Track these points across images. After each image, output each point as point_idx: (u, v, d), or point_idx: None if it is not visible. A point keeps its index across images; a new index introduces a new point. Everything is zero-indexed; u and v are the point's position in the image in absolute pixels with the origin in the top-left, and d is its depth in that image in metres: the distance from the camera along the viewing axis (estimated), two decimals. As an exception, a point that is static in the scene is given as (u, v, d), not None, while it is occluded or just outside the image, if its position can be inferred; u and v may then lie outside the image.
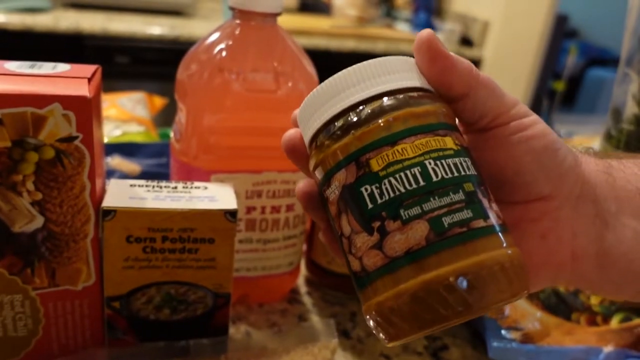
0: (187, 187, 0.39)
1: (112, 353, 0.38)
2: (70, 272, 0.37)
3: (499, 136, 0.27)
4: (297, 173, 0.46)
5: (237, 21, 0.43)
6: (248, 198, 0.45)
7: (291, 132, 0.29)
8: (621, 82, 0.64)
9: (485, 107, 0.26)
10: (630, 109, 0.63)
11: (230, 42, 0.42)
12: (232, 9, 0.43)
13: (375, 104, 0.25)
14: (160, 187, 0.39)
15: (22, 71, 0.34)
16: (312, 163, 0.27)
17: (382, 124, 0.24)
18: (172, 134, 0.47)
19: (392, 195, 0.23)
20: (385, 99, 0.25)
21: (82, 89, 0.33)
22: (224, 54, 0.42)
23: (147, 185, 0.39)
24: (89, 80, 0.34)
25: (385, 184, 0.23)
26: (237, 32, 0.43)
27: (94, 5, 1.81)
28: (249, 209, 0.45)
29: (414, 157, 0.24)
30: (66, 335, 0.39)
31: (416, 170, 0.23)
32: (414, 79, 0.26)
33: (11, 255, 0.35)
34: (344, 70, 0.26)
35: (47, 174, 0.34)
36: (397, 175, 0.23)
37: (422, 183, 0.23)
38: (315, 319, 0.49)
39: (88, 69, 0.36)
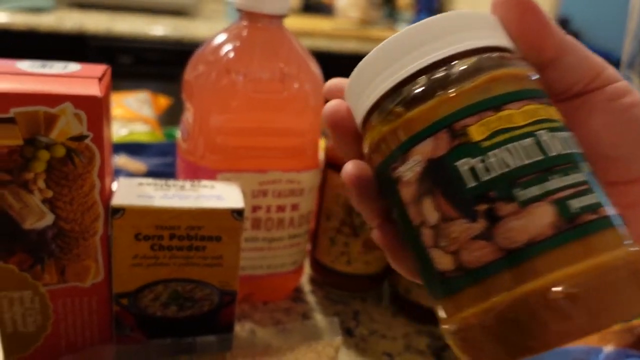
0: (194, 186, 0.40)
1: (119, 349, 0.39)
2: (79, 269, 0.38)
3: (593, 103, 0.23)
4: (302, 173, 0.46)
5: (244, 23, 0.43)
6: (254, 197, 0.46)
7: (334, 103, 0.24)
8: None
9: (576, 72, 0.23)
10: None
11: (237, 44, 0.43)
12: (239, 10, 0.43)
13: (469, 61, 0.20)
14: (168, 186, 0.39)
15: (34, 70, 0.35)
16: (371, 139, 0.22)
17: (480, 85, 0.20)
18: (178, 134, 0.48)
19: (502, 170, 0.19)
20: (478, 56, 0.21)
21: (93, 89, 0.34)
22: (231, 55, 0.42)
23: (155, 184, 0.39)
24: (100, 80, 0.35)
25: (491, 157, 0.19)
26: (244, 33, 0.43)
27: (97, 5, 1.82)
28: (255, 208, 0.46)
29: (525, 126, 0.19)
30: (74, 331, 0.39)
31: (529, 141, 0.19)
32: (502, 38, 0.22)
33: (21, 252, 0.36)
34: (411, 26, 0.21)
35: (58, 172, 0.34)
36: (506, 147, 0.19)
37: (538, 157, 0.19)
38: (318, 317, 0.50)
39: (98, 69, 0.37)
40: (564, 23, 2.14)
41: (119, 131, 0.66)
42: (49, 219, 0.35)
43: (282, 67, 0.43)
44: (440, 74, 0.20)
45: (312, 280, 0.56)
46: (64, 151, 0.34)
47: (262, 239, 0.47)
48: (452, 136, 0.19)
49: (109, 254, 0.38)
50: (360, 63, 0.23)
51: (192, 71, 0.44)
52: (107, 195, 0.37)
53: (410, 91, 0.20)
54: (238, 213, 0.38)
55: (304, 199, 0.48)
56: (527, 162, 0.19)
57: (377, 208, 0.24)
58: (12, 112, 0.32)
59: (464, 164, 0.19)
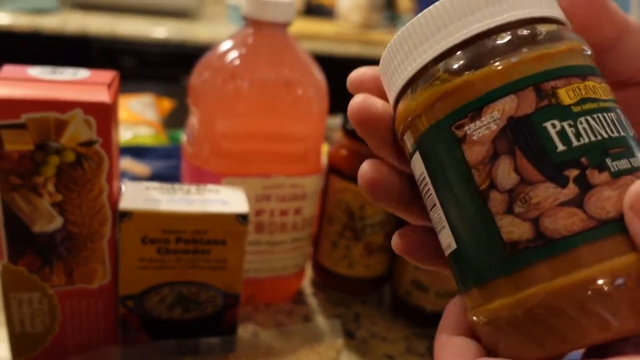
0: (200, 190, 0.41)
1: (125, 350, 0.39)
2: (86, 271, 0.38)
3: None
4: (304, 178, 0.47)
5: (250, 30, 0.44)
6: (257, 201, 0.46)
7: (360, 96, 0.23)
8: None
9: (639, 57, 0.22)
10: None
11: (243, 50, 0.44)
12: (245, 18, 0.44)
13: (551, 27, 0.20)
14: (175, 190, 0.40)
15: (45, 77, 0.35)
16: (421, 101, 0.20)
17: (565, 51, 0.19)
18: (184, 137, 0.48)
19: (594, 139, 0.18)
20: (557, 25, 0.20)
21: (103, 95, 0.34)
22: (236, 61, 0.43)
23: (161, 188, 0.40)
24: (109, 86, 0.36)
25: (583, 123, 0.18)
26: (249, 40, 0.44)
27: (101, 6, 1.83)
28: (258, 212, 0.47)
29: (607, 101, 0.19)
30: (81, 332, 0.40)
31: (612, 116, 0.19)
32: (561, 12, 0.21)
33: (31, 254, 0.36)
34: None
35: (68, 177, 0.35)
36: (595, 116, 0.18)
37: (622, 133, 0.19)
38: (320, 320, 0.51)
39: (107, 75, 0.38)
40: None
41: (123, 134, 0.67)
42: (58, 222, 0.36)
43: (287, 74, 0.44)
44: (525, 32, 0.19)
45: (314, 283, 0.56)
46: (73, 156, 0.35)
47: (265, 242, 0.48)
48: (540, 96, 0.18)
49: (116, 257, 0.38)
50: (411, 23, 0.21)
51: (198, 77, 0.45)
52: (114, 199, 0.37)
53: (488, 45, 0.19)
54: (243, 217, 0.39)
55: (306, 203, 0.48)
56: (615, 135, 0.18)
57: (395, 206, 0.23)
58: (24, 117, 0.33)
59: (553, 126, 0.18)
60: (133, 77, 1.69)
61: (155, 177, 0.62)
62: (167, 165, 0.64)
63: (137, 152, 0.65)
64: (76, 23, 1.61)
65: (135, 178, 0.61)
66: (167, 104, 0.82)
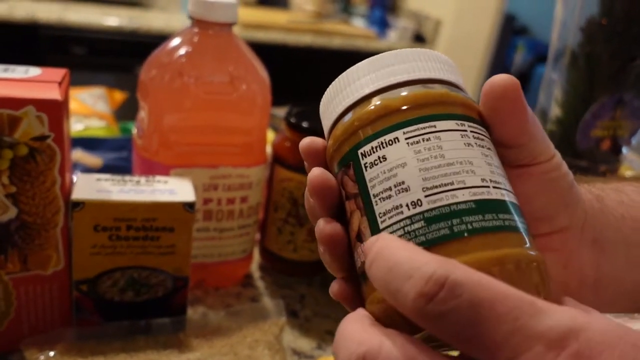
0: (149, 181, 0.43)
1: (79, 332, 0.42)
2: (41, 258, 0.41)
3: (530, 174, 0.27)
4: (250, 168, 0.50)
5: (195, 29, 0.47)
6: (205, 190, 0.49)
7: (317, 170, 0.26)
8: (547, 86, 0.71)
9: (533, 154, 0.26)
10: (554, 112, 0.70)
11: (189, 49, 0.46)
12: (190, 18, 0.47)
13: (442, 87, 0.25)
14: (125, 181, 0.43)
15: (-3, 75, 0.37)
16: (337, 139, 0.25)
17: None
18: (134, 130, 0.51)
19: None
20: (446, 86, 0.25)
21: (54, 93, 0.37)
22: (183, 59, 0.46)
23: (112, 179, 0.43)
24: (59, 84, 0.38)
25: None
26: (195, 39, 0.47)
27: (50, -6, 1.80)
28: (206, 201, 0.50)
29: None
30: (37, 316, 0.42)
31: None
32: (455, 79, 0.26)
33: (-14, 242, 0.39)
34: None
35: (21, 169, 0.37)
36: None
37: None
38: (266, 301, 0.54)
39: (58, 73, 0.40)
40: (510, 20, 2.22)
41: (74, 126, 0.69)
42: (12, 212, 0.38)
43: (231, 71, 0.47)
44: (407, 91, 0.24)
45: (262, 268, 0.60)
46: (26, 150, 0.37)
47: (213, 229, 0.51)
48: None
49: (69, 244, 0.41)
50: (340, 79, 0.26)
51: (147, 73, 0.47)
52: (67, 189, 0.40)
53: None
54: (189, 206, 0.41)
55: (252, 192, 0.52)
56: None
57: (346, 262, 0.26)
58: (-22, 114, 0.35)
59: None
60: (84, 66, 1.67)
61: (107, 168, 0.64)
62: (118, 157, 0.66)
63: (89, 143, 0.66)
64: (24, 10, 1.59)
65: (88, 169, 0.63)
66: (118, 96, 0.83)
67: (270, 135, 0.71)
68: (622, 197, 0.31)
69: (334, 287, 0.27)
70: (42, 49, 1.63)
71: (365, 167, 0.23)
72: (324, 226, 0.25)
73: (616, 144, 0.69)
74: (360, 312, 0.22)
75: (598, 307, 0.32)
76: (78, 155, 0.65)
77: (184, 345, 0.42)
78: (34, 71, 0.39)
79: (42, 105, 0.36)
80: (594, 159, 0.69)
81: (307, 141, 0.27)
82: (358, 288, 0.25)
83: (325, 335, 0.51)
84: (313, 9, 2.12)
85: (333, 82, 0.26)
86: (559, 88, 0.68)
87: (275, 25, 1.90)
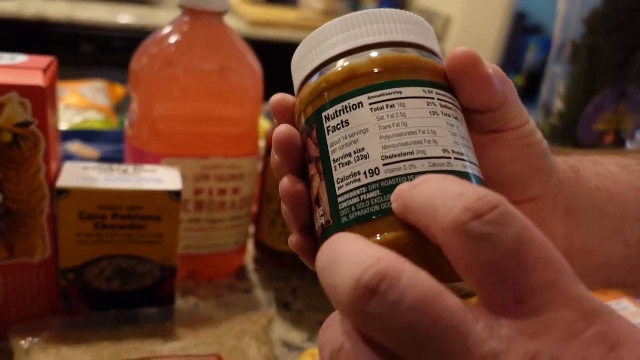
0: (137, 170, 0.43)
1: (66, 320, 0.42)
2: (27, 246, 0.41)
3: (504, 140, 0.26)
4: (242, 159, 0.50)
5: (186, 18, 0.47)
6: (196, 181, 0.49)
7: (284, 127, 0.25)
8: (550, 81, 0.70)
9: (506, 119, 0.26)
10: (557, 106, 0.69)
11: (179, 38, 0.46)
12: (181, 7, 0.46)
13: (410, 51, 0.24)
14: (112, 170, 0.43)
15: (-18, 62, 0.37)
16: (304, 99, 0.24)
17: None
18: (126, 121, 0.51)
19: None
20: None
21: (38, 79, 0.37)
22: (172, 48, 0.46)
23: (99, 168, 0.43)
24: (45, 71, 0.38)
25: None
26: (185, 28, 0.46)
27: (60, -7, 1.81)
28: (197, 191, 0.49)
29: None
30: (24, 303, 0.42)
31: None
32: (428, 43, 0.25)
33: (-28, 229, 0.39)
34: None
35: (6, 156, 0.37)
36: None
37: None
38: (259, 293, 0.54)
39: (44, 60, 0.40)
40: (522, 18, 2.20)
41: (73, 119, 0.69)
42: (-3, 199, 0.38)
43: (222, 61, 0.47)
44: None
45: (256, 260, 0.59)
46: (10, 137, 0.37)
47: (205, 220, 0.51)
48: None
49: (56, 232, 0.41)
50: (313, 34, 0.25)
51: (137, 63, 0.47)
52: (53, 177, 0.40)
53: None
54: (175, 194, 0.41)
55: (244, 183, 0.51)
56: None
57: (306, 220, 0.25)
58: (-39, 100, 0.35)
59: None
60: (93, 64, 1.68)
61: (104, 160, 0.64)
62: (116, 149, 0.66)
63: (86, 136, 0.67)
64: (34, 8, 1.60)
65: (85, 162, 0.63)
66: (119, 90, 0.83)
67: (260, 131, 0.70)
68: (598, 168, 0.30)
69: (292, 239, 0.26)
70: (52, 46, 1.64)
71: (328, 131, 0.23)
72: (287, 185, 0.25)
73: (619, 137, 0.67)
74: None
75: None
76: (76, 147, 0.65)
77: (169, 335, 0.41)
78: (20, 58, 0.39)
79: (25, 91, 0.36)
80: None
81: (277, 97, 0.26)
82: (316, 245, 0.24)
83: (317, 327, 0.50)
84: (322, 6, 2.12)
85: (303, 41, 0.25)
86: (562, 82, 0.67)
87: (284, 23, 1.90)
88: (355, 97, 0.22)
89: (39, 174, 0.39)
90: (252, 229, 0.59)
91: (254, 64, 0.49)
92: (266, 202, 0.55)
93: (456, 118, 0.23)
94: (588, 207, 0.28)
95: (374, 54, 0.23)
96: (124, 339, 0.40)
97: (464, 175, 0.21)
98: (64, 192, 0.39)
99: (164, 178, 0.43)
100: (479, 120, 0.26)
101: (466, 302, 0.17)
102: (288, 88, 0.27)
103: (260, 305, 0.48)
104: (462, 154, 0.22)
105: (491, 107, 0.25)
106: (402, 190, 0.20)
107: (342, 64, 0.23)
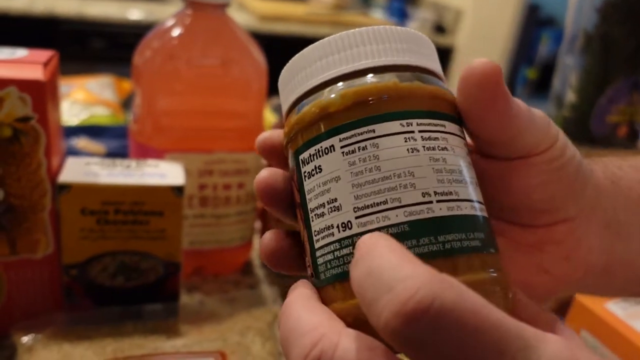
0: (139, 165, 0.43)
1: (69, 317, 0.41)
2: (30, 242, 0.40)
3: (533, 164, 0.23)
4: (246, 153, 0.49)
5: (188, 11, 0.46)
6: (200, 176, 0.48)
7: (265, 172, 0.24)
8: (562, 72, 0.69)
9: (530, 144, 0.23)
10: (569, 98, 0.68)
11: (181, 31, 0.46)
12: (184, 0, 0.46)
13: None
14: (115, 165, 0.42)
15: (-18, 56, 0.37)
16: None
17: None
18: (130, 117, 0.50)
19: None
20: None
21: (37, 73, 0.36)
22: (174, 42, 0.45)
23: (102, 163, 0.42)
24: (45, 65, 0.38)
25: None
26: (188, 21, 0.46)
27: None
28: (202, 187, 0.49)
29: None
30: (28, 301, 0.42)
31: None
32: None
33: (-26, 225, 0.38)
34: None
35: (6, 151, 0.37)
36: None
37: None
38: (264, 288, 0.53)
39: (44, 54, 0.39)
40: (534, 10, 2.17)
41: (79, 114, 0.69)
42: (-1, 194, 0.38)
43: (224, 54, 0.46)
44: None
45: (263, 256, 0.59)
46: (10, 132, 0.36)
47: (210, 215, 0.50)
48: None
49: (58, 228, 0.40)
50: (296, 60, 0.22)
51: (140, 56, 0.47)
52: (54, 173, 0.39)
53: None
54: (178, 190, 0.41)
55: (249, 178, 0.51)
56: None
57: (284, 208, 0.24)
58: (-40, 95, 0.34)
59: None
60: (103, 59, 1.68)
61: (111, 155, 0.63)
62: (122, 144, 0.66)
63: (93, 131, 0.66)
64: (44, 5, 1.60)
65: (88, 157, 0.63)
66: (127, 85, 0.83)
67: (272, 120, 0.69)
68: None
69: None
70: (62, 42, 1.65)
71: (305, 177, 0.21)
72: (266, 242, 0.24)
73: (633, 130, 0.66)
74: (307, 292, 0.21)
75: (607, 293, 0.30)
76: (82, 143, 0.65)
77: (172, 331, 0.41)
78: (20, 52, 0.39)
79: (24, 85, 0.36)
80: (611, 146, 0.66)
81: (261, 137, 0.25)
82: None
83: (323, 324, 0.49)
84: (332, 0, 2.10)
85: (286, 66, 0.23)
86: (574, 73, 0.66)
87: (294, 17, 1.89)
88: (327, 139, 0.20)
89: (40, 170, 0.38)
90: (258, 225, 0.58)
91: (258, 57, 0.49)
92: (272, 197, 0.55)
93: (444, 149, 0.20)
94: (629, 219, 0.26)
95: (343, 86, 0.20)
96: (127, 335, 0.40)
97: (446, 221, 0.19)
98: (65, 187, 0.39)
99: (166, 173, 0.42)
100: (497, 150, 0.23)
101: None
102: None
103: (265, 301, 0.48)
104: (448, 194, 0.19)
105: (503, 136, 0.22)
106: (353, 260, 0.18)
107: (314, 99, 0.21)
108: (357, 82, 0.20)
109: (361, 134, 0.19)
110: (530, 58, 2.81)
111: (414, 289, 0.15)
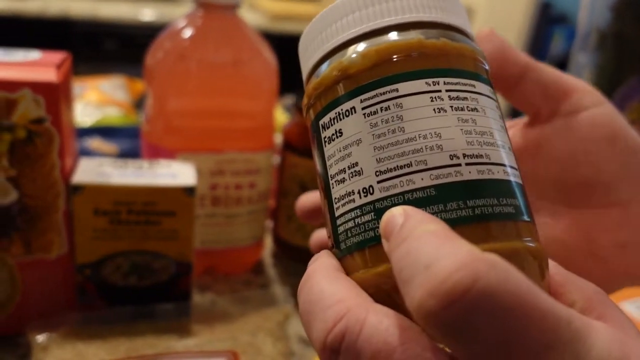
0: (152, 165, 0.43)
1: (83, 316, 0.42)
2: (44, 242, 0.41)
3: (576, 128, 0.22)
4: (257, 153, 0.49)
5: (200, 12, 0.46)
6: (212, 176, 0.49)
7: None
8: (575, 71, 0.68)
9: (545, 90, 0.22)
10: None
11: (192, 31, 0.46)
12: (195, 1, 0.46)
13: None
14: (127, 165, 0.42)
15: (-3, 59, 0.38)
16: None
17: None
18: (142, 117, 0.51)
19: None
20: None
21: (50, 75, 0.37)
22: (186, 42, 0.45)
23: (114, 164, 0.43)
24: (58, 67, 0.38)
25: None
26: (199, 22, 0.46)
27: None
28: (213, 186, 0.49)
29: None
30: (42, 300, 0.43)
31: None
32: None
33: (-11, 226, 0.39)
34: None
35: (21, 153, 0.37)
36: None
37: None
38: (276, 288, 0.53)
39: (57, 56, 0.40)
40: (546, 7, 2.16)
41: (92, 114, 0.69)
42: (13, 195, 0.38)
43: (235, 54, 0.46)
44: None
45: (274, 255, 0.59)
46: (25, 133, 0.37)
47: (222, 215, 0.51)
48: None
49: (72, 228, 0.41)
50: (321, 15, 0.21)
51: (151, 57, 0.47)
52: (68, 173, 0.40)
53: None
54: (189, 190, 0.41)
55: (260, 178, 0.51)
56: None
57: None
58: (-25, 97, 0.35)
59: None
60: (117, 60, 1.70)
61: (123, 155, 0.64)
62: (134, 145, 0.66)
63: (106, 132, 0.67)
64: (58, 6, 1.62)
65: (101, 157, 0.63)
66: (139, 86, 0.84)
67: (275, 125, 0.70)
68: None
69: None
70: (75, 44, 1.66)
71: (325, 142, 0.20)
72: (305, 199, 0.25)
73: (647, 128, 0.65)
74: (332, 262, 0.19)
75: None
76: (96, 143, 0.66)
77: (184, 331, 0.41)
78: (34, 54, 0.39)
79: (38, 87, 0.36)
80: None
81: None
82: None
83: (334, 323, 0.49)
84: None
85: (305, 30, 0.22)
86: (587, 71, 0.65)
87: (305, 17, 1.89)
88: (347, 101, 0.19)
89: (54, 171, 0.39)
90: (270, 224, 0.59)
91: (268, 57, 0.49)
92: (283, 196, 0.55)
93: (474, 109, 0.18)
94: None
95: (364, 45, 0.19)
96: (140, 334, 0.40)
97: (477, 185, 0.17)
98: (78, 188, 0.39)
99: (178, 173, 0.42)
100: (516, 102, 0.22)
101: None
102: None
103: (277, 301, 0.48)
104: (478, 156, 0.18)
105: (518, 69, 0.22)
106: (391, 235, 0.16)
107: (333, 61, 0.20)
108: (379, 41, 0.19)
109: (383, 93, 0.18)
110: (543, 56, 2.79)
111: (453, 267, 0.13)
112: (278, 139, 0.56)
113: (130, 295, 0.44)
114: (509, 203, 0.18)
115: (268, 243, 0.59)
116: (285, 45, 0.49)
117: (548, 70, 0.23)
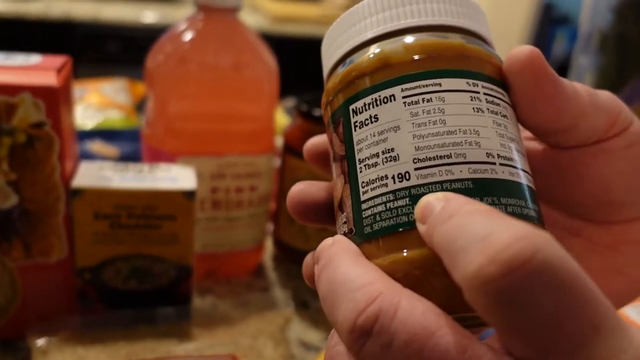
0: (152, 169, 0.43)
1: (83, 320, 0.42)
2: (44, 246, 0.41)
3: (610, 151, 0.21)
4: (258, 156, 0.49)
5: (200, 15, 0.46)
6: (213, 179, 0.49)
7: (298, 186, 0.25)
8: (576, 73, 0.68)
9: (594, 128, 0.21)
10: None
11: (193, 35, 0.46)
12: (195, 3, 0.46)
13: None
14: (127, 169, 0.42)
15: (-3, 63, 0.37)
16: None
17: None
18: (143, 120, 0.51)
19: None
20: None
21: (50, 79, 0.37)
22: (186, 45, 0.45)
23: (115, 167, 0.42)
24: (58, 71, 0.38)
25: None
26: (200, 25, 0.46)
27: (85, -7, 1.83)
28: (214, 190, 0.49)
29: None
30: (42, 303, 0.43)
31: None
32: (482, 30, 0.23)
33: (-11, 230, 0.39)
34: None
35: (21, 157, 0.37)
36: None
37: None
38: (277, 291, 0.53)
39: (58, 60, 0.40)
40: (549, 8, 2.16)
41: (93, 117, 0.69)
42: (13, 199, 0.38)
43: (236, 57, 0.46)
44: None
45: (275, 258, 0.59)
46: (25, 137, 0.37)
47: (223, 218, 0.51)
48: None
49: (72, 232, 0.41)
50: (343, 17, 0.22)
51: (152, 60, 0.47)
52: (68, 177, 0.40)
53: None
54: (190, 194, 0.41)
55: (261, 181, 0.51)
56: None
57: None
58: (-25, 101, 0.35)
59: None
60: (119, 62, 1.70)
61: (124, 158, 0.64)
62: (136, 147, 0.66)
63: (107, 135, 0.67)
64: (60, 9, 1.62)
65: (105, 160, 0.63)
66: (141, 88, 0.84)
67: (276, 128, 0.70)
68: None
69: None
70: (78, 46, 1.67)
71: (355, 127, 0.20)
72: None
73: (650, 130, 0.65)
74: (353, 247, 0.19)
75: None
76: (97, 146, 0.66)
77: (184, 335, 0.41)
78: (34, 58, 0.39)
79: (38, 91, 0.36)
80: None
81: (311, 141, 0.25)
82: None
83: (335, 327, 0.49)
84: (344, 1, 2.10)
85: (333, 23, 0.22)
86: (589, 73, 0.65)
87: (307, 19, 1.89)
88: (386, 88, 0.20)
89: (54, 174, 0.39)
90: (271, 227, 0.59)
91: (269, 60, 0.49)
92: (283, 199, 0.55)
93: (505, 116, 0.20)
94: None
95: (410, 39, 0.20)
96: (140, 338, 0.40)
97: (509, 185, 0.18)
98: (78, 192, 0.39)
99: (178, 177, 0.42)
100: (563, 139, 0.22)
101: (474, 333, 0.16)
102: (312, 83, 0.25)
103: (278, 304, 0.48)
104: (510, 159, 0.19)
105: (561, 123, 0.21)
106: (430, 216, 0.17)
107: (373, 50, 0.20)
108: (421, 37, 0.20)
109: (426, 85, 0.19)
110: (546, 56, 2.78)
111: (513, 238, 0.13)
112: (279, 141, 0.56)
113: (130, 299, 0.44)
114: (531, 207, 0.19)
115: (269, 246, 0.59)
116: (286, 47, 0.49)
117: (599, 106, 0.22)
